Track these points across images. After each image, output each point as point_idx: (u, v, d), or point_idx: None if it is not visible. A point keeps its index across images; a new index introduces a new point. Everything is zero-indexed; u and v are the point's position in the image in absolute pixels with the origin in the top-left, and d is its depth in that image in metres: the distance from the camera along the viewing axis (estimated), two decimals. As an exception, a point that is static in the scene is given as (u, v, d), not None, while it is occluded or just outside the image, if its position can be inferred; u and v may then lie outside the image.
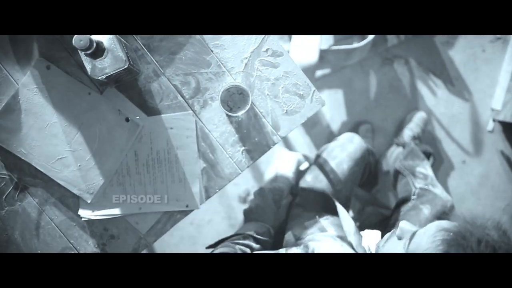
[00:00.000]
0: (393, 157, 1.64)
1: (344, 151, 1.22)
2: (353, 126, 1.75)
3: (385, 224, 1.31)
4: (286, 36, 1.56)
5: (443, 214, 1.23)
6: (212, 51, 0.93)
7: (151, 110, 0.92)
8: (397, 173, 1.51)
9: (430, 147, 1.72)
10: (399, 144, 1.66)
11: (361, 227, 1.39)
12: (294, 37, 1.47)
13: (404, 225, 0.80)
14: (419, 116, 1.72)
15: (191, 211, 0.93)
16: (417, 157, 1.48)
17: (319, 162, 1.25)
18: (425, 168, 1.42)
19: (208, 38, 0.92)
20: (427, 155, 1.65)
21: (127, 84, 0.92)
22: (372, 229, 1.30)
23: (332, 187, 1.20)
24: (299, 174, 1.54)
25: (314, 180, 1.22)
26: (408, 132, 1.69)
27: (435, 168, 1.76)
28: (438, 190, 1.30)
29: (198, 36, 0.92)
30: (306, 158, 1.67)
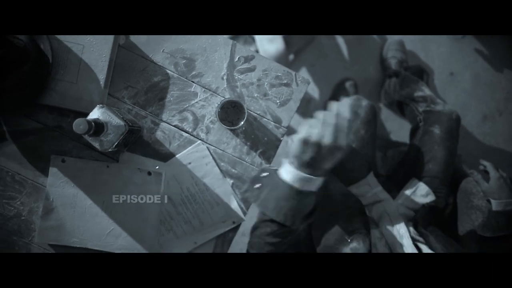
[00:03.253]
0: (392, 88, 1.59)
1: (356, 119, 1.19)
2: (339, 83, 1.72)
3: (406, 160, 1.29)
4: (249, 39, 1.56)
5: (453, 126, 1.20)
6: (193, 82, 0.93)
7: (165, 156, 0.92)
8: (401, 104, 1.48)
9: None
10: (391, 75, 1.62)
11: (389, 170, 1.38)
12: (256, 38, 1.47)
13: None
14: (394, 42, 1.68)
15: (239, 225, 0.93)
16: (411, 82, 1.44)
17: None
18: (422, 90, 1.38)
19: (184, 72, 0.92)
20: (420, 73, 1.61)
21: (136, 143, 0.92)
22: (398, 168, 1.29)
23: (357, 154, 1.17)
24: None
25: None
26: (393, 61, 1.65)
27: (430, 81, 1.74)
28: (440, 106, 1.27)
29: (176, 75, 0.92)
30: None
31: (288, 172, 0.71)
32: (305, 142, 0.69)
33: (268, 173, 0.76)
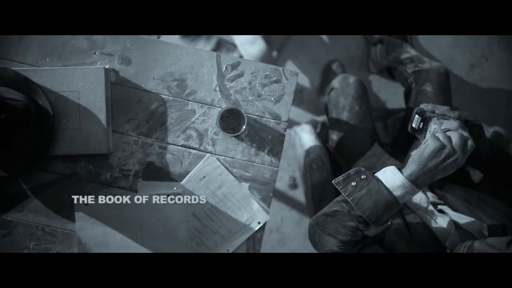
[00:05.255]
0: (378, 56, 1.58)
1: (348, 97, 1.17)
2: (326, 67, 1.71)
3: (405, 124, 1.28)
4: (231, 46, 1.56)
5: (443, 81, 1.20)
6: (188, 100, 0.93)
7: (180, 175, 0.93)
8: (389, 69, 1.47)
9: None
10: (376, 43, 1.61)
11: (392, 138, 1.37)
12: (237, 43, 1.47)
13: None
14: None
15: (265, 223, 0.93)
16: (396, 46, 1.42)
17: (333, 119, 1.21)
18: (407, 51, 1.36)
19: (178, 93, 0.93)
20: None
21: (150, 170, 0.92)
22: (399, 134, 1.28)
23: (357, 130, 1.16)
24: (320, 135, 1.53)
25: (338, 135, 1.19)
26: None
27: (415, 40, 1.72)
28: (427, 64, 1.26)
29: (171, 98, 0.93)
30: (315, 120, 1.66)
31: (391, 178, 0.77)
32: (439, 151, 0.75)
33: (365, 176, 0.79)
